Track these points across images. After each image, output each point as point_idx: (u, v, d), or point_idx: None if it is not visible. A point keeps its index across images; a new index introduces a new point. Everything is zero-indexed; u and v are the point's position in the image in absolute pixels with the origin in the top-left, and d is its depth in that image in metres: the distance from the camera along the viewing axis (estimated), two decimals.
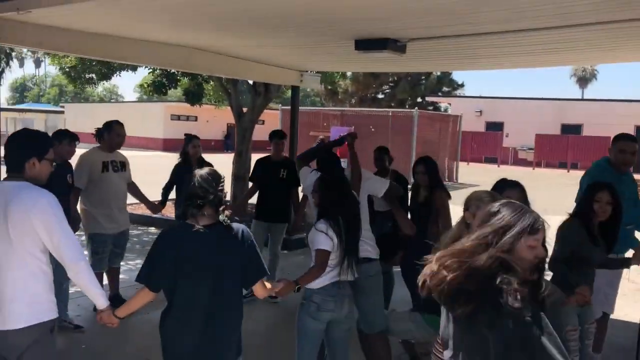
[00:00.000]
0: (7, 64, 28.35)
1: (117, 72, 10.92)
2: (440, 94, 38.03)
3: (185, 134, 6.58)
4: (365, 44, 5.60)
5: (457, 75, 39.87)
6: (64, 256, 2.84)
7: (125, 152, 6.01)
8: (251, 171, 6.78)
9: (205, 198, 2.83)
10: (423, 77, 35.42)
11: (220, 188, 2.89)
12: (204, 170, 2.93)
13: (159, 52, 6.87)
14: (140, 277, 2.92)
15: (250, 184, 6.62)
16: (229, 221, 2.91)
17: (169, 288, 2.90)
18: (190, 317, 2.88)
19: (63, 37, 5.72)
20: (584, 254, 3.74)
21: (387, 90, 37.11)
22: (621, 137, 4.69)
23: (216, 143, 35.89)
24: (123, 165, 5.80)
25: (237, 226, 2.95)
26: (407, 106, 32.92)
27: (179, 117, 35.84)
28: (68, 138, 5.15)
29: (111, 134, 5.63)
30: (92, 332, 5.15)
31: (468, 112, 29.69)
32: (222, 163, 11.60)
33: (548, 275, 3.66)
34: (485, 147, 30.39)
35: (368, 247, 4.08)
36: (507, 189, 3.39)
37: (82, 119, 40.93)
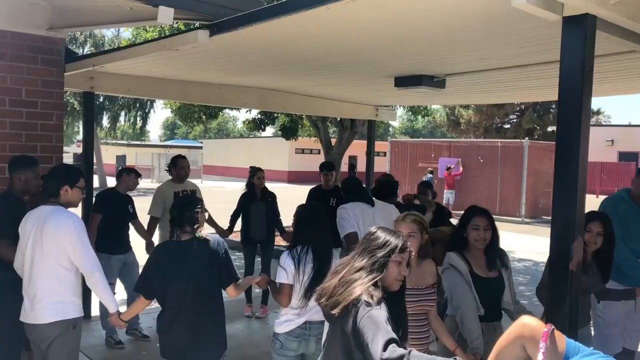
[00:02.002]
0: (152, 106, 31.54)
1: (221, 112, 12.03)
2: None
3: (251, 167, 7.21)
4: (403, 81, 5.93)
5: (594, 102, 37.55)
6: (83, 267, 3.53)
7: None
8: (305, 200, 7.25)
9: (183, 218, 3.39)
10: (553, 105, 33.82)
11: (196, 210, 3.43)
12: (181, 197, 3.51)
13: (234, 94, 7.65)
14: (136, 287, 3.52)
15: None
16: (204, 236, 3.44)
17: (159, 295, 3.46)
18: (178, 318, 3.40)
19: (144, 84, 6.69)
20: None
21: (514, 120, 35.92)
22: None
23: (341, 174, 36.79)
24: (194, 192, 6.54)
25: (214, 238, 3.48)
26: (535, 136, 31.53)
27: (302, 151, 37.52)
28: (134, 173, 6.04)
29: (177, 168, 6.43)
30: (156, 341, 5.87)
31: (597, 141, 27.95)
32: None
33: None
34: (617, 178, 28.23)
35: None
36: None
37: (217, 153, 44.64)
